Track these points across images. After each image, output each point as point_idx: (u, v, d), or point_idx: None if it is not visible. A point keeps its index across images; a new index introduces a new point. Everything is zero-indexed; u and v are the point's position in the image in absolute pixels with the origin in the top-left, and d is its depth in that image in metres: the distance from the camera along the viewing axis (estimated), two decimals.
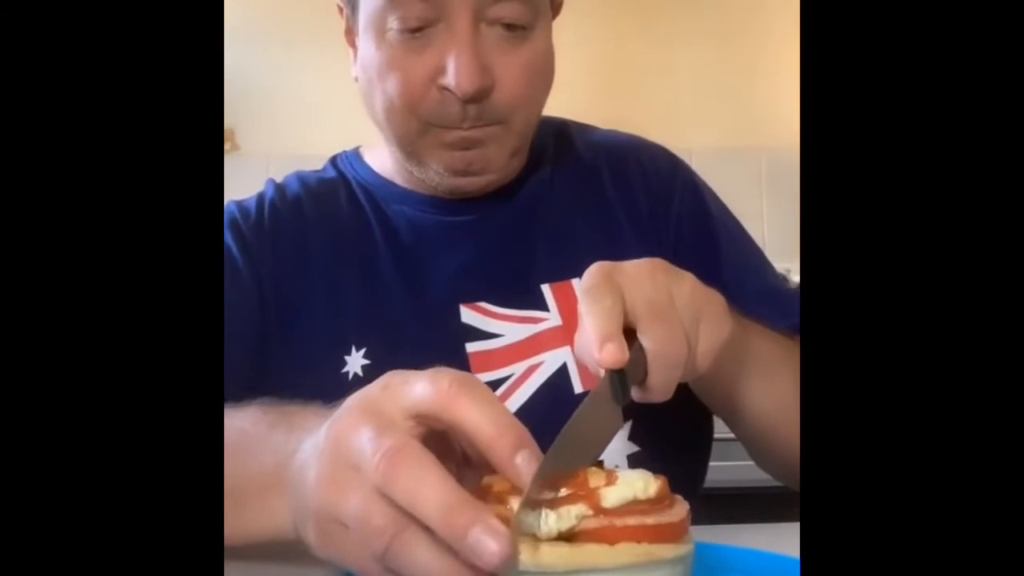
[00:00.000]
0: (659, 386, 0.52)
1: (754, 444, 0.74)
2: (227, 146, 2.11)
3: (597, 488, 0.40)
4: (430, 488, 0.36)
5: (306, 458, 0.43)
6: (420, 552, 0.37)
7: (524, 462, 0.38)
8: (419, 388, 0.40)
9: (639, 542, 0.39)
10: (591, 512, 0.39)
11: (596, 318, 0.49)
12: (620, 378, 0.49)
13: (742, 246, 0.84)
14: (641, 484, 0.40)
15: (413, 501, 0.36)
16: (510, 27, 0.70)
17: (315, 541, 0.42)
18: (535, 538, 0.38)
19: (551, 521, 0.38)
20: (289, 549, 0.45)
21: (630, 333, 0.51)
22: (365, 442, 0.38)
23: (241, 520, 0.47)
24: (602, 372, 0.49)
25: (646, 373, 0.51)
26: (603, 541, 0.39)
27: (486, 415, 0.39)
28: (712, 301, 0.55)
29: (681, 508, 0.42)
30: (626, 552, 0.39)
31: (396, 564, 0.38)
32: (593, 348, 0.48)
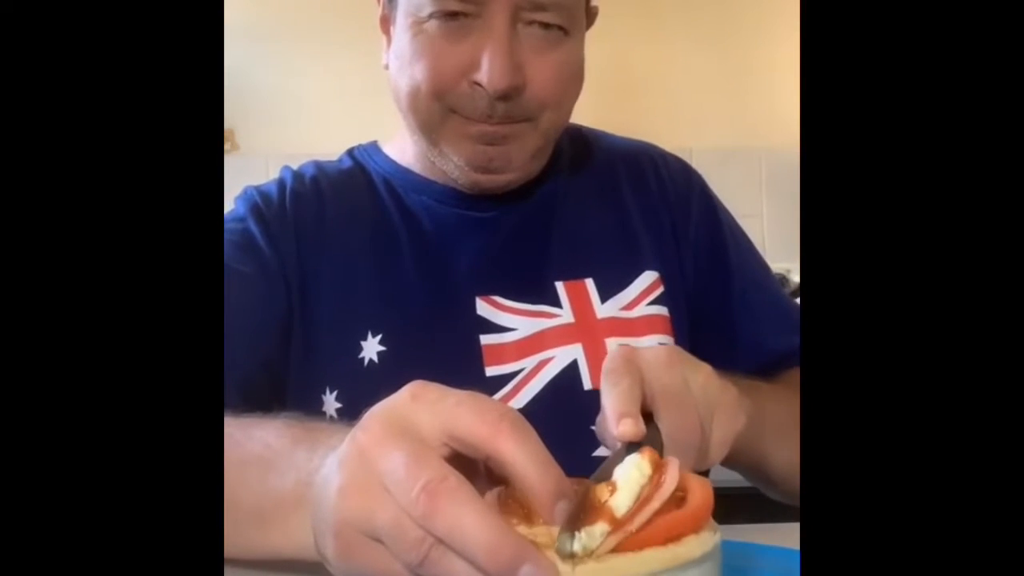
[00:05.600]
0: None
1: (780, 496, 0.78)
2: (227, 146, 2.11)
3: (606, 502, 0.40)
4: (473, 525, 0.35)
5: (329, 472, 0.42)
6: (459, 560, 0.36)
7: (563, 511, 0.38)
8: (463, 413, 0.39)
9: (664, 544, 0.39)
10: (610, 527, 0.38)
11: (615, 398, 0.50)
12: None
13: (750, 259, 0.86)
14: (636, 473, 0.40)
15: (456, 538, 0.36)
16: (546, 27, 0.71)
17: (334, 553, 0.40)
18: (566, 560, 0.38)
19: (584, 540, 0.38)
20: (311, 566, 0.44)
21: (647, 416, 0.51)
22: (399, 467, 0.37)
23: (263, 535, 0.47)
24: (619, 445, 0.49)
25: (661, 454, 0.51)
26: (627, 550, 0.38)
27: (530, 456, 0.38)
28: (727, 393, 0.56)
29: (673, 470, 0.41)
30: (653, 558, 0.38)
31: (432, 573, 0.37)
32: (611, 424, 0.49)
